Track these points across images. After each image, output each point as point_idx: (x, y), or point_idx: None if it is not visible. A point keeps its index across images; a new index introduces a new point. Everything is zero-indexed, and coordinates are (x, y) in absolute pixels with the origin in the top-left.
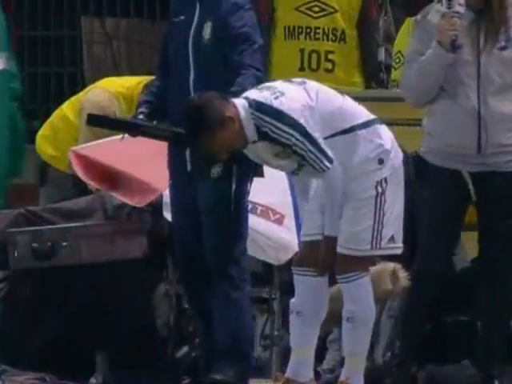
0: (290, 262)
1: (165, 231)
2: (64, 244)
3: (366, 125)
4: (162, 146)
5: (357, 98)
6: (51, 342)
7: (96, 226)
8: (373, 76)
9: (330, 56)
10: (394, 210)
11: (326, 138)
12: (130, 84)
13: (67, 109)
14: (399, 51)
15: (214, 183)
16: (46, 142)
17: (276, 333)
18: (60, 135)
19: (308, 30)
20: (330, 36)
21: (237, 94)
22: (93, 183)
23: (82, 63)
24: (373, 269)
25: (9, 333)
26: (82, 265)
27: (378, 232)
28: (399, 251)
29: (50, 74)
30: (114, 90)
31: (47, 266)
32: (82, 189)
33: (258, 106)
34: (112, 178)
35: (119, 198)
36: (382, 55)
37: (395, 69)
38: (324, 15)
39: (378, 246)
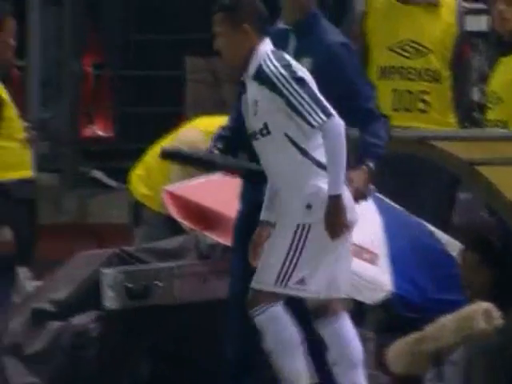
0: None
1: None
2: (158, 284)
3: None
4: None
5: (453, 138)
6: (144, 381)
7: (190, 266)
8: (467, 116)
9: (425, 96)
10: (317, 259)
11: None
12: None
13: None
14: (493, 90)
15: None
16: (139, 182)
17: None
18: (153, 174)
19: (401, 70)
20: (424, 76)
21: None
22: (186, 222)
23: (183, 102)
24: (464, 309)
25: (102, 373)
26: (176, 304)
27: (286, 270)
28: (306, 294)
29: (148, 113)
30: (206, 129)
31: (141, 306)
32: (175, 228)
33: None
34: (205, 217)
35: (212, 237)
36: (476, 95)
37: (490, 108)
38: (418, 56)
39: (284, 284)
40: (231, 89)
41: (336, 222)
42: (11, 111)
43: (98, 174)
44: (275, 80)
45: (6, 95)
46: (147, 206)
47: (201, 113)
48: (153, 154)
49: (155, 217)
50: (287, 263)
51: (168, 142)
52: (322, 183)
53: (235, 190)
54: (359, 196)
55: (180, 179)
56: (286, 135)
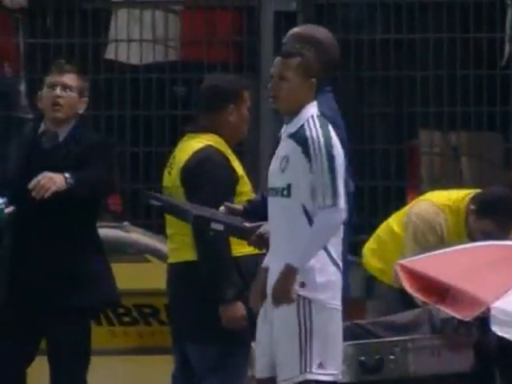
0: None
1: (492, 345)
2: (392, 357)
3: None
4: (496, 256)
5: None
6: None
7: (423, 340)
8: None
9: None
10: (327, 340)
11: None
12: (457, 197)
13: (393, 221)
14: None
15: None
16: (372, 255)
17: None
18: (386, 248)
19: None
20: None
21: None
22: (419, 296)
23: (407, 176)
24: None
25: None
26: (409, 378)
27: (305, 356)
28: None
29: (376, 186)
30: (439, 202)
31: (374, 380)
32: (408, 302)
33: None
34: (439, 290)
35: (446, 311)
36: None
37: None
38: None
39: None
40: (469, 162)
41: (282, 291)
42: (247, 187)
43: None
44: (310, 143)
45: (241, 171)
46: (380, 280)
47: (437, 187)
48: (385, 227)
49: (388, 290)
50: (303, 347)
51: (400, 216)
52: (321, 265)
53: (471, 260)
54: None
55: (413, 253)
56: (304, 206)
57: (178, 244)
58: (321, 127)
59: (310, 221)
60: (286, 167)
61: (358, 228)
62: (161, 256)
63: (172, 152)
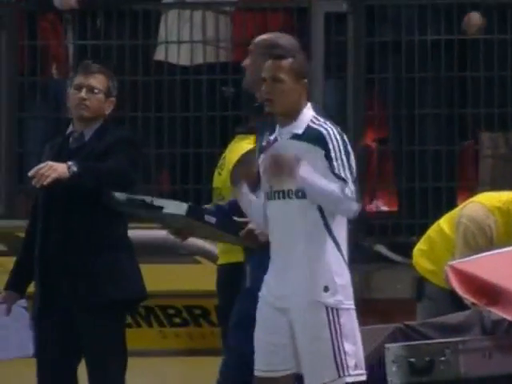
0: None
1: None
2: (442, 359)
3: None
4: None
5: None
6: None
7: (474, 341)
8: None
9: None
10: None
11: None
12: (507, 198)
13: (444, 223)
14: None
15: None
16: (422, 257)
17: None
18: (437, 249)
19: None
20: None
21: None
22: (469, 297)
23: (457, 177)
24: None
25: None
26: (460, 379)
27: (340, 358)
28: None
29: (425, 188)
30: (489, 204)
31: (424, 381)
32: (458, 303)
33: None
34: (489, 292)
35: (497, 312)
36: None
37: None
38: None
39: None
40: None
41: (286, 170)
42: None
43: (383, 249)
44: (328, 140)
45: None
46: (430, 281)
47: (494, 188)
48: (436, 228)
49: (438, 292)
50: (336, 351)
51: (451, 217)
52: (339, 268)
53: None
54: None
55: (463, 254)
56: (319, 207)
57: (227, 246)
58: (333, 126)
59: (324, 219)
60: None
61: (409, 229)
62: (211, 257)
63: (222, 153)
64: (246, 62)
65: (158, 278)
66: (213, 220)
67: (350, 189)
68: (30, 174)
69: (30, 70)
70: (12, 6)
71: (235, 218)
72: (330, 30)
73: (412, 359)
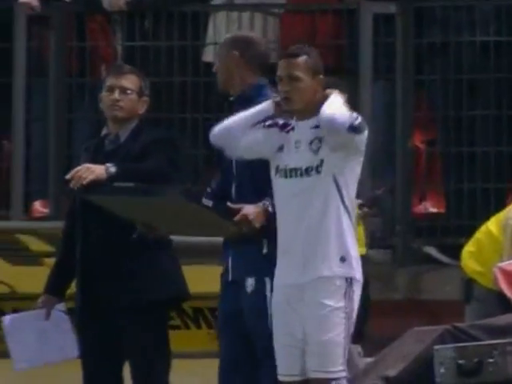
0: None
1: None
2: (490, 361)
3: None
4: None
5: None
6: None
7: None
8: None
9: None
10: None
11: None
12: None
13: (492, 224)
14: None
15: (249, 296)
16: (470, 258)
17: None
18: (485, 251)
19: None
20: None
21: None
22: None
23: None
24: None
25: None
26: (509, 381)
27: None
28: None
29: (474, 188)
30: None
31: (472, 383)
32: (506, 305)
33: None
34: None
35: None
36: None
37: None
38: None
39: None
40: None
41: None
42: None
43: (431, 251)
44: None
45: None
46: (479, 283)
47: None
48: (484, 230)
49: (486, 293)
50: (346, 336)
51: (499, 218)
52: (353, 240)
53: None
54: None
55: (511, 255)
56: (335, 178)
57: None
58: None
59: (340, 192)
60: (321, 146)
61: (457, 231)
62: None
63: None
64: (216, 65)
65: (207, 279)
66: (210, 203)
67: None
68: (68, 176)
69: (78, 71)
70: (60, 8)
71: (228, 204)
72: (378, 31)
73: (460, 361)
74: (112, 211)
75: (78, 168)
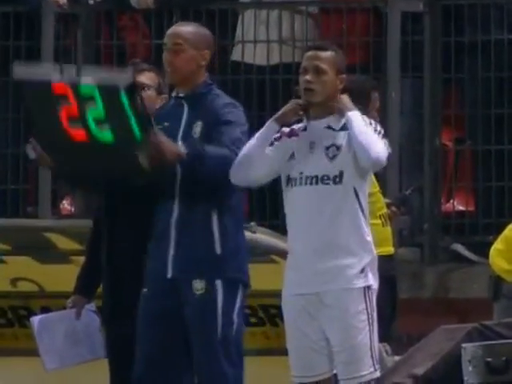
0: None
1: None
2: None
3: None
4: None
5: None
6: None
7: None
8: None
9: None
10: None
11: None
12: None
13: None
14: None
15: (199, 298)
16: (499, 256)
17: None
18: None
19: None
20: None
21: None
22: None
23: None
24: None
25: None
26: None
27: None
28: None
29: (502, 187)
30: None
31: (501, 381)
32: None
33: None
34: None
35: None
36: None
37: None
38: None
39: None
40: None
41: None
42: (375, 187)
43: (459, 248)
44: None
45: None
46: (507, 281)
47: None
48: None
49: None
50: (372, 343)
51: None
52: (371, 250)
53: None
54: None
55: None
56: (355, 190)
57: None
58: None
59: (359, 201)
60: (337, 155)
61: (485, 229)
62: (286, 256)
63: None
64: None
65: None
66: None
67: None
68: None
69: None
70: (88, 6)
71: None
72: (406, 29)
73: (488, 359)
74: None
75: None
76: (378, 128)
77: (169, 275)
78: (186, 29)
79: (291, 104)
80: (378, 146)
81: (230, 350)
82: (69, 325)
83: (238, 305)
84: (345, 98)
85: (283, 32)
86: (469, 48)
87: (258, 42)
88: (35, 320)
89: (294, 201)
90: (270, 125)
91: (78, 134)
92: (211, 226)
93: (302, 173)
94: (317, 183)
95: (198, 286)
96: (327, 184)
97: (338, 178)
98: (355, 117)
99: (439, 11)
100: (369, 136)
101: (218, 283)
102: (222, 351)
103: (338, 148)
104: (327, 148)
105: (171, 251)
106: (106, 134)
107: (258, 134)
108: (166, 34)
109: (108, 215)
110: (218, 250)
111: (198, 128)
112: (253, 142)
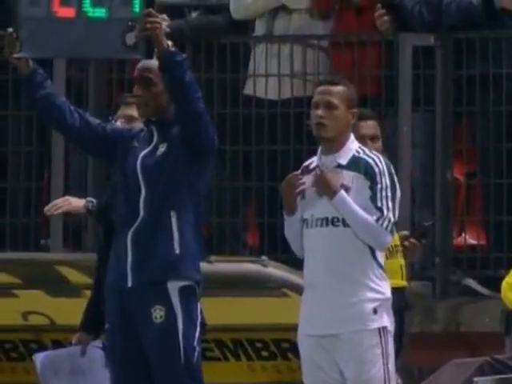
0: None
1: None
2: None
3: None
4: None
5: None
6: None
7: None
8: None
9: None
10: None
11: None
12: None
13: None
14: None
15: (159, 328)
16: (510, 290)
17: None
18: None
19: None
20: None
21: None
22: None
23: None
24: None
25: None
26: None
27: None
28: None
29: None
30: None
31: None
32: None
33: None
34: None
35: None
36: None
37: None
38: None
39: None
40: None
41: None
42: None
43: (470, 282)
44: (376, 171)
45: None
46: None
47: None
48: None
49: None
50: (387, 376)
51: None
52: (387, 290)
53: None
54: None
55: None
56: None
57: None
58: (379, 155)
59: (371, 248)
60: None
61: (496, 263)
62: (299, 290)
63: None
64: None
65: (246, 311)
66: None
67: (387, 221)
68: (47, 206)
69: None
70: None
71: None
72: (417, 63)
73: None
74: None
75: (59, 199)
76: (387, 193)
77: (129, 284)
78: (155, 63)
79: (285, 192)
80: (376, 237)
81: (194, 374)
82: (74, 361)
83: (196, 314)
84: (329, 175)
85: (295, 66)
86: (480, 81)
87: (270, 75)
88: (39, 357)
89: (310, 241)
90: (285, 218)
91: (66, 11)
92: (171, 226)
93: (313, 215)
94: (327, 225)
95: (157, 314)
96: (337, 226)
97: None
98: (344, 207)
99: (450, 45)
100: (363, 228)
101: (178, 313)
102: (186, 376)
103: (347, 190)
104: None
105: (129, 258)
106: (98, 10)
107: (285, 223)
108: (137, 67)
109: (106, 241)
110: (177, 249)
111: (162, 149)
112: (285, 229)
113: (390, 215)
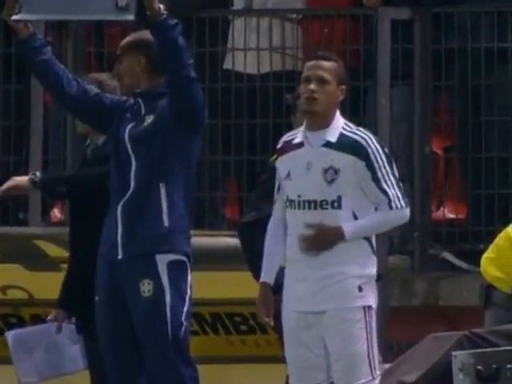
0: None
1: None
2: (509, 366)
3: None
4: None
5: None
6: None
7: None
8: None
9: None
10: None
11: None
12: None
13: (511, 230)
14: None
15: (147, 302)
16: (490, 264)
17: None
18: (504, 257)
19: None
20: None
21: None
22: None
23: None
24: None
25: None
26: None
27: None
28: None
29: (497, 194)
30: None
31: None
32: None
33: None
34: None
35: None
36: None
37: None
38: None
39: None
40: None
41: (322, 245)
42: None
43: (449, 256)
44: (367, 149)
45: None
46: (498, 288)
47: None
48: (503, 236)
49: (505, 299)
50: (370, 351)
51: None
52: (372, 268)
53: None
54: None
55: None
56: (354, 214)
57: None
58: (367, 131)
59: None
60: (336, 179)
61: (475, 237)
62: None
63: None
64: (118, 68)
65: (224, 285)
66: None
67: (398, 199)
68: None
69: None
70: None
71: None
72: (396, 36)
73: (479, 367)
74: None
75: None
76: (386, 169)
77: (119, 256)
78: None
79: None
80: (398, 221)
81: (181, 348)
82: (49, 338)
83: (185, 288)
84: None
85: (273, 40)
86: (458, 55)
87: (249, 49)
88: (9, 335)
89: (296, 221)
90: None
91: None
92: (160, 198)
93: (300, 196)
94: (315, 208)
95: (146, 288)
96: (326, 209)
97: (337, 203)
98: (359, 233)
99: (429, 18)
100: (385, 226)
101: (166, 284)
102: (173, 351)
103: (336, 172)
104: (325, 171)
105: (119, 230)
106: None
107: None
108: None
109: (74, 215)
110: (166, 221)
111: (149, 121)
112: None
113: (397, 191)
